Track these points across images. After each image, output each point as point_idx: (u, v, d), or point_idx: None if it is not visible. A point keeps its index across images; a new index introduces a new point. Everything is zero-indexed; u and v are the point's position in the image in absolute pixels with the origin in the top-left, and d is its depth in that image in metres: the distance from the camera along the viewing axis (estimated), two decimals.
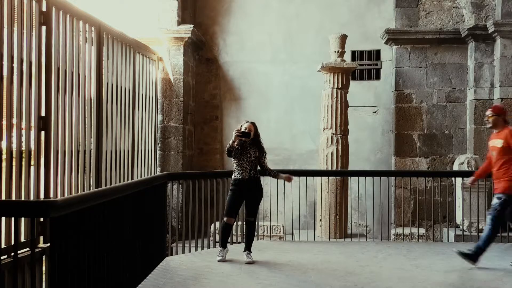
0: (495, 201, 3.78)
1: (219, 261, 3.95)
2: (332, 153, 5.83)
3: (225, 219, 3.97)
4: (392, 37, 6.61)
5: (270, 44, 6.98)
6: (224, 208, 4.78)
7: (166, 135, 6.35)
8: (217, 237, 5.19)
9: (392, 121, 6.75)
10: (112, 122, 4.79)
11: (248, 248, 4.03)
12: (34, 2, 3.47)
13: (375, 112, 6.91)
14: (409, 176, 5.66)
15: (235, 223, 5.07)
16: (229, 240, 4.87)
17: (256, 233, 4.97)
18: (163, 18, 6.33)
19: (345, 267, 3.86)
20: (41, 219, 3.26)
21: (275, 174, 4.14)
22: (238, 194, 3.97)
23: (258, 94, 6.96)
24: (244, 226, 4.14)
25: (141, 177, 5.54)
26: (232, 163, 4.12)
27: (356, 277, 3.56)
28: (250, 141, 3.98)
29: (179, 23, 6.39)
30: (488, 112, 3.91)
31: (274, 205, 5.24)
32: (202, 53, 7.08)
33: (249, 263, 3.91)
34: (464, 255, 3.82)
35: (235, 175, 4.01)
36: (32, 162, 3.46)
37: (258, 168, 4.07)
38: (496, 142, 3.85)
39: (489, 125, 3.92)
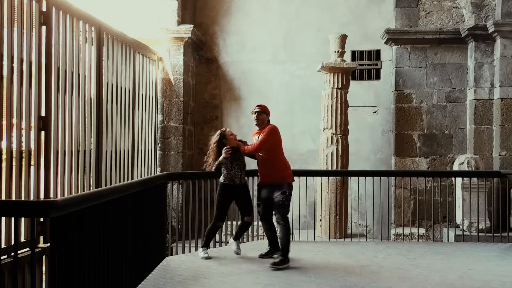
0: (280, 196, 3.79)
1: (205, 258, 3.99)
2: (332, 153, 5.83)
3: (217, 223, 4.06)
4: (392, 37, 6.60)
5: (270, 44, 6.98)
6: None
7: (166, 135, 6.35)
8: (217, 237, 5.20)
9: (392, 121, 6.75)
10: (112, 122, 4.79)
11: (239, 239, 4.19)
12: (34, 2, 3.47)
13: (375, 112, 6.91)
14: (409, 176, 5.66)
15: (234, 223, 5.10)
16: (228, 240, 4.91)
17: (256, 233, 4.98)
18: (163, 18, 6.33)
19: (345, 267, 3.85)
20: (41, 219, 3.26)
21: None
22: (229, 200, 4.06)
23: (258, 94, 6.95)
24: (240, 223, 4.17)
25: (141, 177, 5.54)
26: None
27: (356, 277, 3.55)
28: (236, 147, 4.01)
29: (179, 23, 6.39)
30: (256, 109, 3.94)
31: None
32: (202, 53, 7.08)
33: (237, 253, 4.08)
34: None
35: (225, 179, 4.02)
36: (32, 162, 3.46)
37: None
38: (258, 138, 3.94)
39: (256, 122, 3.94)
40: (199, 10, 7.05)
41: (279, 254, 3.81)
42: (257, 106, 4.00)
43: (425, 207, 5.99)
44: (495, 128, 6.29)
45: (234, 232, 4.30)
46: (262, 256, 4.04)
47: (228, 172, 3.99)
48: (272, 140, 3.87)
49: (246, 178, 4.13)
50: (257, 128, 4.00)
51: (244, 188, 4.09)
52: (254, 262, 3.96)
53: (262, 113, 3.93)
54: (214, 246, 4.90)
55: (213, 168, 3.99)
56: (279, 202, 3.81)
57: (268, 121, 4.00)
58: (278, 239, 3.94)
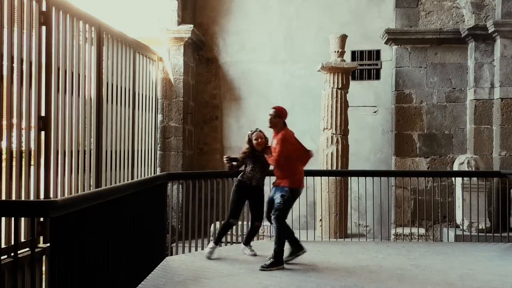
0: (278, 199, 3.80)
1: (209, 258, 3.99)
2: (332, 153, 5.83)
3: (231, 220, 4.07)
4: (392, 37, 6.60)
5: (270, 44, 6.97)
6: (224, 207, 4.84)
7: (166, 135, 6.35)
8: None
9: (392, 121, 6.74)
10: (112, 122, 4.79)
11: (249, 243, 4.18)
12: (34, 2, 3.47)
13: (375, 112, 6.91)
14: (409, 176, 5.66)
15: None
16: (229, 240, 4.91)
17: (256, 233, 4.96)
18: (163, 18, 6.32)
19: (345, 267, 3.85)
20: (41, 219, 3.25)
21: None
22: (243, 198, 4.07)
23: (258, 94, 6.95)
24: (249, 227, 4.23)
25: (141, 177, 5.53)
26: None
27: (356, 277, 3.55)
28: (262, 152, 4.04)
29: (179, 23, 6.39)
30: (271, 111, 3.94)
31: None
32: (202, 53, 7.07)
33: (254, 255, 4.06)
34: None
35: (243, 177, 4.05)
36: (32, 162, 3.46)
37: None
38: (273, 143, 3.95)
39: (269, 125, 3.95)
40: (199, 10, 7.04)
41: (270, 256, 3.78)
42: (272, 108, 3.99)
43: (425, 207, 5.98)
44: (495, 128, 6.28)
45: (244, 237, 4.34)
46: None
47: (248, 172, 4.03)
48: (285, 149, 3.84)
49: (264, 182, 4.11)
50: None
51: (259, 191, 4.08)
52: (254, 262, 3.95)
53: (275, 117, 3.93)
54: None
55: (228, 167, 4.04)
56: (276, 204, 3.83)
57: (284, 123, 3.98)
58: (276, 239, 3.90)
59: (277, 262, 3.73)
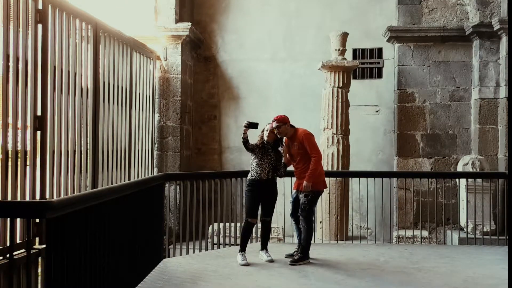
0: (303, 199, 3.99)
1: (244, 265, 3.84)
2: (332, 154, 5.76)
3: (249, 219, 3.99)
4: (395, 34, 6.51)
5: (269, 42, 6.89)
6: (221, 209, 4.80)
7: (164, 135, 6.27)
8: (215, 239, 5.14)
9: (394, 121, 6.65)
10: (108, 122, 4.74)
11: (266, 247, 4.10)
12: (30, 0, 3.43)
13: (376, 111, 6.82)
14: (411, 177, 5.59)
15: (233, 224, 5.04)
16: (227, 242, 4.84)
17: (255, 235, 4.92)
18: (160, 16, 6.26)
19: (346, 270, 3.80)
20: (37, 220, 3.21)
21: (284, 169, 4.12)
22: (256, 194, 4.01)
23: (257, 93, 6.88)
24: (260, 226, 4.19)
25: (138, 177, 5.48)
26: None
27: (357, 281, 3.50)
28: (272, 143, 4.03)
29: (177, 21, 6.31)
30: (275, 125, 4.00)
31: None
32: (200, 51, 7.00)
33: (270, 261, 3.98)
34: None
35: (253, 175, 4.03)
36: (28, 162, 3.41)
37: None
38: (293, 147, 4.06)
39: (279, 135, 4.04)
40: (197, 7, 6.96)
41: (298, 252, 4.03)
42: (273, 121, 4.04)
43: (428, 209, 5.89)
44: (500, 128, 6.18)
45: (260, 241, 4.26)
46: (288, 256, 4.09)
47: (256, 167, 3.99)
48: (315, 143, 4.04)
49: (275, 176, 4.06)
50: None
51: (271, 185, 4.04)
52: (252, 264, 3.91)
53: (281, 125, 4.00)
54: (212, 248, 4.85)
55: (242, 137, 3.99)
56: (301, 205, 3.99)
57: (292, 126, 4.07)
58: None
59: (304, 257, 3.97)
